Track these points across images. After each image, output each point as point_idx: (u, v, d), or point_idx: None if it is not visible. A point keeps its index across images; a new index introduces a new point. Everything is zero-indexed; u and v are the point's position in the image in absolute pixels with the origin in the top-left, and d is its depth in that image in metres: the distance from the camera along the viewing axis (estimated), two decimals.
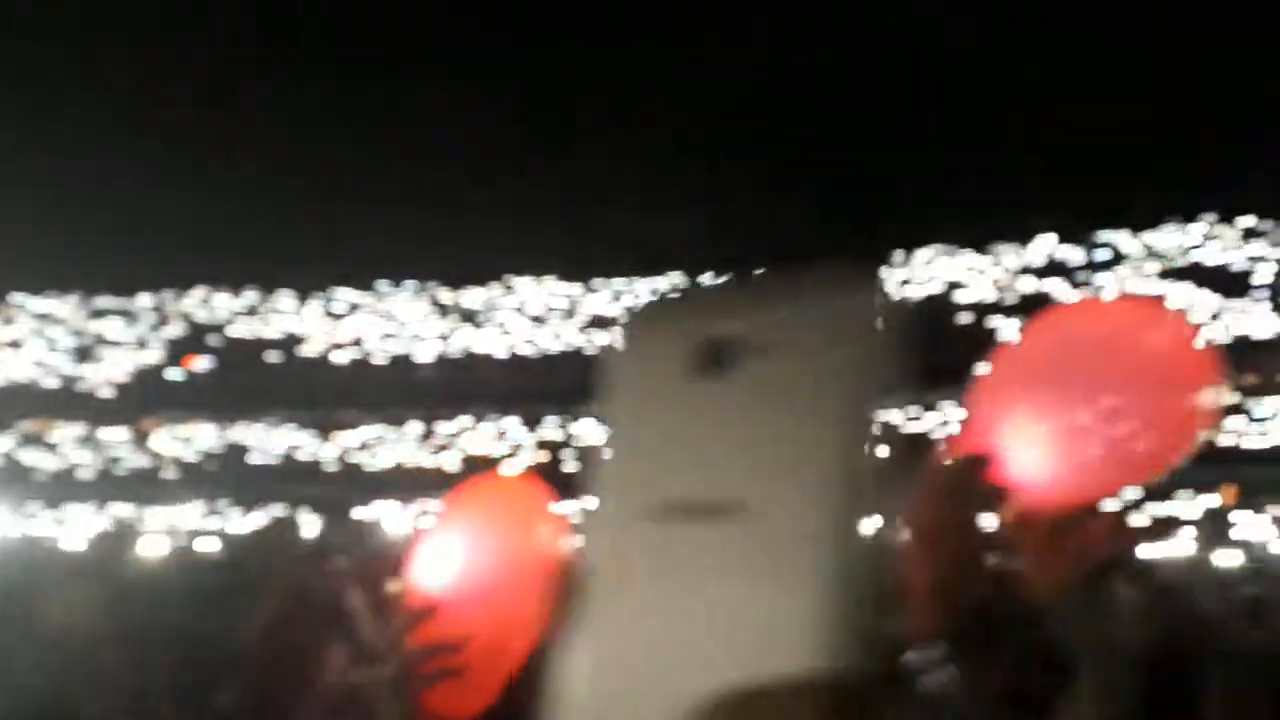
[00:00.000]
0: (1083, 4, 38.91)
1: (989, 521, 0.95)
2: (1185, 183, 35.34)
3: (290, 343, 44.31)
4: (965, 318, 37.04)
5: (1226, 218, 36.54)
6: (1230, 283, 34.46)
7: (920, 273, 40.39)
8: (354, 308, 46.17)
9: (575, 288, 45.42)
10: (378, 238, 42.83)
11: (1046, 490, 0.96)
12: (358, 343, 44.17)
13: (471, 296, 46.24)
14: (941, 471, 0.98)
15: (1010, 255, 38.97)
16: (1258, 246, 35.62)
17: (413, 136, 43.50)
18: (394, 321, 44.90)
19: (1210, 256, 35.88)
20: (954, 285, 39.00)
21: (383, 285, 46.48)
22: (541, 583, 1.03)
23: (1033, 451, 0.95)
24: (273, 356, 43.78)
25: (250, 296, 45.95)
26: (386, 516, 25.28)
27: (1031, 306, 36.41)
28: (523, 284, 46.21)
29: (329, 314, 45.51)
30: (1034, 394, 0.98)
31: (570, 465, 35.09)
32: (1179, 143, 33.04)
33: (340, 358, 43.70)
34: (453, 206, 42.04)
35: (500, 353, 42.92)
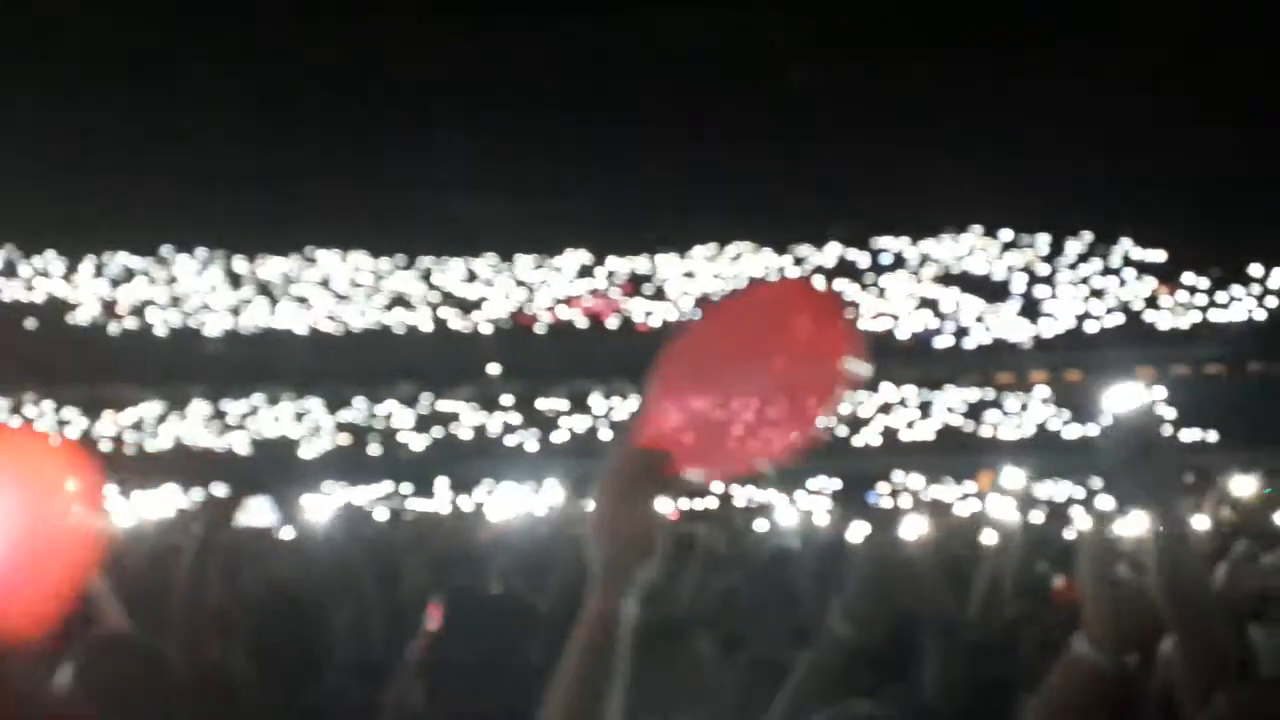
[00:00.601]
0: (882, 27, 41.99)
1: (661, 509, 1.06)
2: (959, 197, 39.08)
3: (56, 309, 40.01)
4: None
5: (990, 231, 40.78)
6: (991, 290, 38.50)
7: (727, 268, 42.25)
8: (132, 274, 42.35)
9: (383, 263, 43.91)
10: (166, 199, 39.32)
11: (713, 467, 1.07)
12: (137, 312, 40.52)
13: (269, 268, 43.63)
14: (620, 462, 1.06)
15: (808, 255, 41.58)
16: (1014, 258, 40.01)
17: (212, 90, 40.29)
18: (180, 291, 41.59)
19: (976, 265, 39.91)
20: (755, 281, 41.10)
21: (167, 250, 42.91)
22: (58, 549, 1.10)
23: (697, 433, 1.05)
24: (32, 323, 39.34)
25: (8, 254, 41.04)
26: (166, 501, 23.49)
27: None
28: (326, 257, 44.11)
29: (104, 279, 41.49)
30: (696, 381, 1.08)
31: (374, 448, 33.99)
32: (959, 160, 36.54)
33: (115, 328, 39.93)
34: (252, 171, 39.33)
35: (300, 329, 40.81)
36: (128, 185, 37.98)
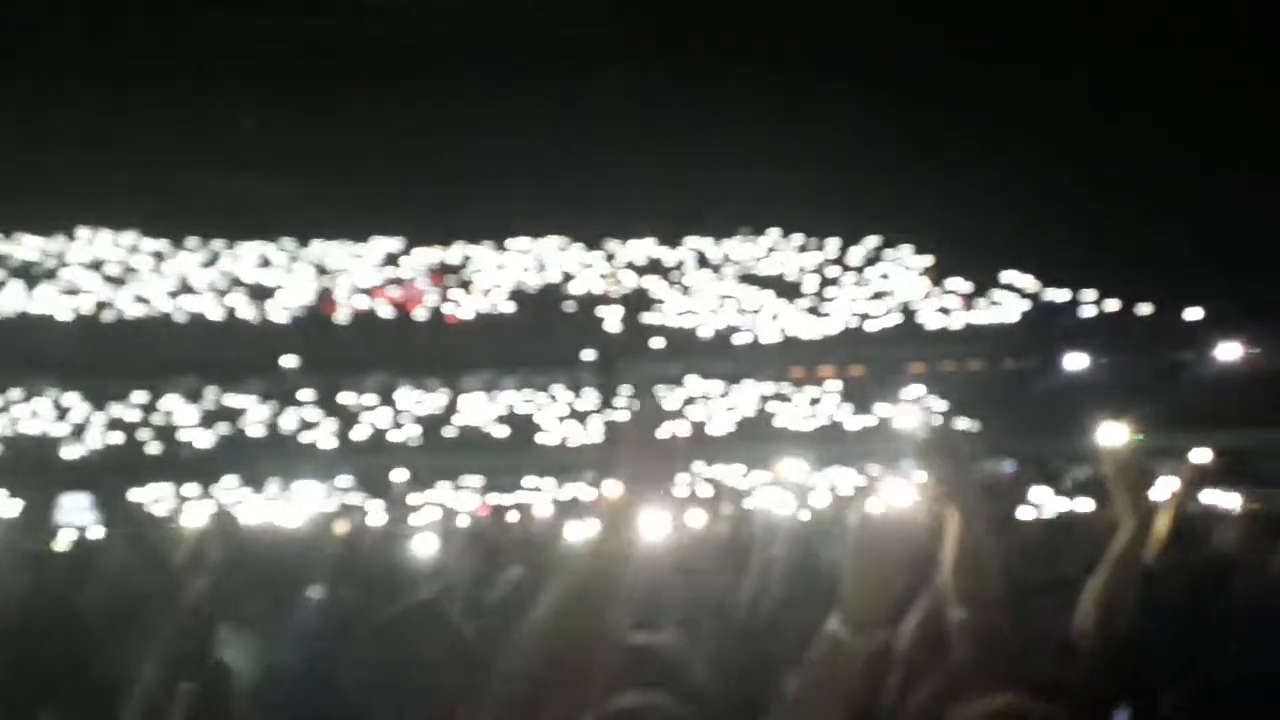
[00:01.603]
0: (693, 28, 43.43)
1: None
2: (757, 200, 41.19)
3: None
4: (572, 307, 39.61)
5: (786, 234, 43.29)
6: (785, 289, 40.85)
7: (538, 262, 42.23)
8: None
9: (162, 244, 40.44)
10: None
11: None
12: None
13: (27, 246, 39.10)
14: None
15: (617, 252, 42.35)
16: (807, 259, 42.67)
17: None
18: None
19: (772, 266, 42.23)
20: (567, 276, 41.38)
21: None
22: None
23: None
24: None
25: None
26: None
27: (632, 301, 39.12)
28: (95, 236, 40.06)
29: None
30: None
31: (153, 448, 31.26)
32: (761, 165, 38.51)
33: None
34: (8, 138, 35.06)
35: (63, 314, 36.87)
36: None
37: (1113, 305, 35.62)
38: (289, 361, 34.36)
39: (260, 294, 39.00)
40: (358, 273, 40.85)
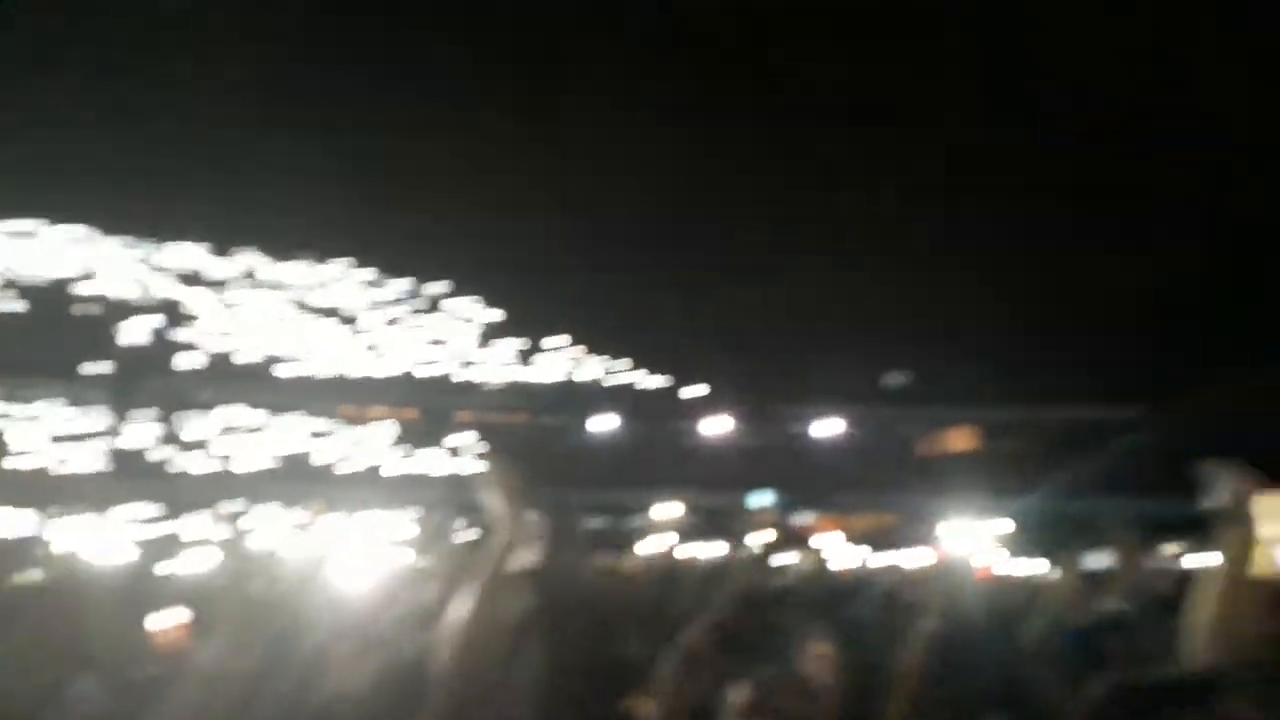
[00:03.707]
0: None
1: None
2: (330, 227, 39.66)
3: None
4: (87, 309, 34.26)
5: (355, 265, 42.32)
6: (345, 321, 39.70)
7: (55, 253, 35.95)
8: None
9: None
10: None
11: None
12: None
13: None
14: None
15: (154, 254, 37.70)
16: (373, 295, 42.06)
17: None
18: None
19: (335, 296, 40.83)
20: (86, 275, 35.74)
21: None
22: None
23: None
24: None
25: None
26: None
27: (166, 310, 35.46)
28: None
29: None
30: None
31: None
32: (337, 192, 37.23)
33: None
34: None
35: None
36: None
37: (639, 376, 40.56)
38: None
39: None
40: None
